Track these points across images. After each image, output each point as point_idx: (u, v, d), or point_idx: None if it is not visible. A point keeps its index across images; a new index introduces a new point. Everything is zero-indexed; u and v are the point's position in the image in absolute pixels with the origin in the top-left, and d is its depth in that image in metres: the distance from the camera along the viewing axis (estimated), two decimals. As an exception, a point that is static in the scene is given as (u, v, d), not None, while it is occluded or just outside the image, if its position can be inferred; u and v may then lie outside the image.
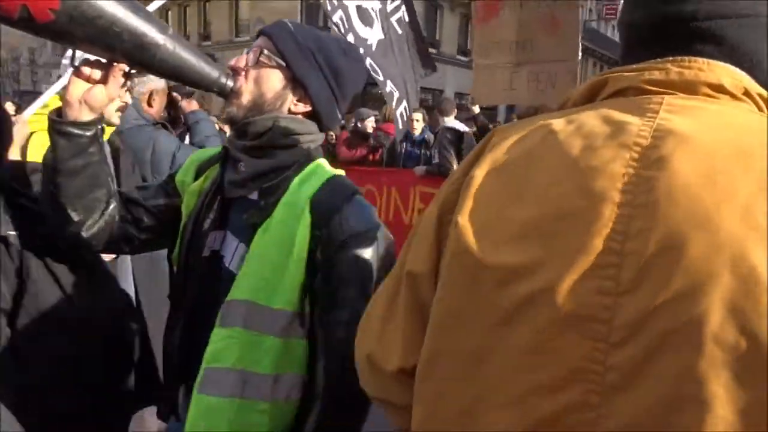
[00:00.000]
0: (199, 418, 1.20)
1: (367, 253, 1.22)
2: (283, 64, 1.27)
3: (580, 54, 3.96)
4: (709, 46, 0.72)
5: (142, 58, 1.16)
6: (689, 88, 0.70)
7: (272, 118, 1.27)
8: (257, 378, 1.19)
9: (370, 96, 22.70)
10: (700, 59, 0.71)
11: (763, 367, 0.54)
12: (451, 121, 6.51)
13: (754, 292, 0.56)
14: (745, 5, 0.71)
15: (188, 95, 3.14)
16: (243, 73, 1.28)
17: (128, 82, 1.31)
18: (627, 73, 0.75)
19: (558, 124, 0.74)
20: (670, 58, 0.72)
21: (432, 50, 23.38)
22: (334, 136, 7.39)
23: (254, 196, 1.29)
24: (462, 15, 25.29)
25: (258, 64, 1.28)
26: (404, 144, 6.51)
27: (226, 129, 8.52)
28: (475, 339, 0.70)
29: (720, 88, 0.70)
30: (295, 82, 1.28)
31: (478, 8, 4.46)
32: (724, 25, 0.71)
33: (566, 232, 0.66)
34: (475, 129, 6.48)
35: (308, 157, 1.31)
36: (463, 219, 0.73)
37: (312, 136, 1.33)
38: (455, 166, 5.84)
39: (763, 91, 0.71)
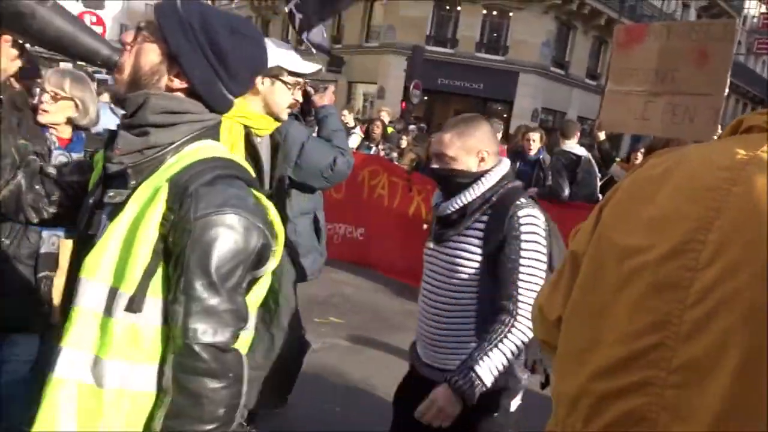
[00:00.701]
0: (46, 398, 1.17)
1: (214, 239, 1.16)
2: (162, 39, 1.24)
3: (726, 90, 3.70)
4: None
5: (18, 25, 1.16)
6: None
7: (144, 95, 1.23)
8: (101, 362, 1.16)
9: (489, 111, 22.70)
10: None
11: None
12: (571, 145, 6.30)
13: None
14: None
15: (322, 90, 3.28)
16: (128, 48, 1.27)
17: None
18: (758, 115, 0.96)
19: (693, 152, 1.01)
20: None
21: (560, 71, 22.92)
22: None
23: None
24: (595, 38, 24.46)
25: (140, 38, 1.26)
26: (517, 162, 6.37)
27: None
28: (601, 297, 0.99)
29: None
30: (172, 58, 1.24)
31: (621, 33, 4.27)
32: None
33: (672, 227, 0.92)
34: (599, 156, 6.23)
35: (192, 138, 1.26)
36: (606, 213, 1.04)
37: (194, 116, 1.28)
38: (566, 192, 5.70)
39: None
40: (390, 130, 9.04)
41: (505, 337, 1.91)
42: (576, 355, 1.03)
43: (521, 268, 1.96)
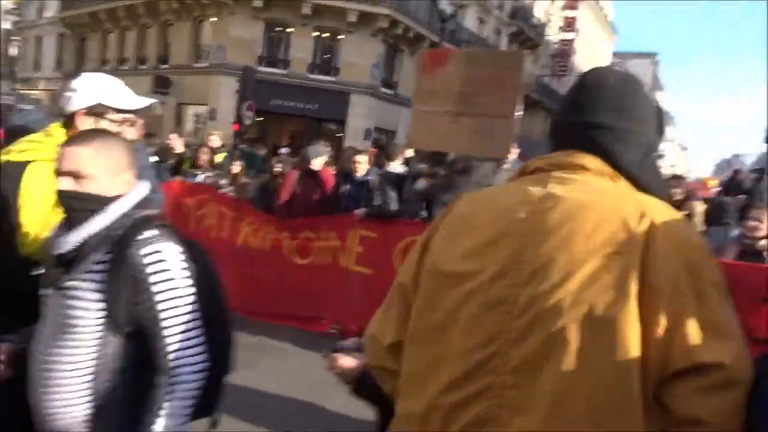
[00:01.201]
0: None
1: None
2: None
3: (521, 111, 4.07)
4: (591, 144, 1.21)
5: None
6: (566, 166, 1.20)
7: None
8: None
9: (324, 131, 23.01)
10: (576, 152, 1.21)
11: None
12: (395, 166, 6.54)
13: (588, 289, 1.03)
14: (615, 123, 1.21)
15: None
16: None
17: None
18: (541, 161, 1.26)
19: (494, 191, 1.36)
20: (564, 151, 1.23)
21: (389, 92, 23.87)
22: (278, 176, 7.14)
23: None
24: (421, 60, 25.95)
25: None
26: (346, 184, 6.45)
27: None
28: (440, 319, 1.16)
29: (586, 168, 1.19)
30: None
31: (425, 57, 4.53)
32: (596, 132, 1.21)
33: (493, 252, 1.14)
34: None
35: None
36: (434, 246, 1.24)
37: None
38: (395, 208, 5.87)
39: (610, 170, 1.19)
40: (221, 156, 8.65)
41: (171, 401, 1.57)
42: (421, 374, 1.16)
43: (162, 316, 1.59)
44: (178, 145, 8.65)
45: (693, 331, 0.99)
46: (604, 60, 60.32)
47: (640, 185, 1.19)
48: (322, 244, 5.72)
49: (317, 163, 6.69)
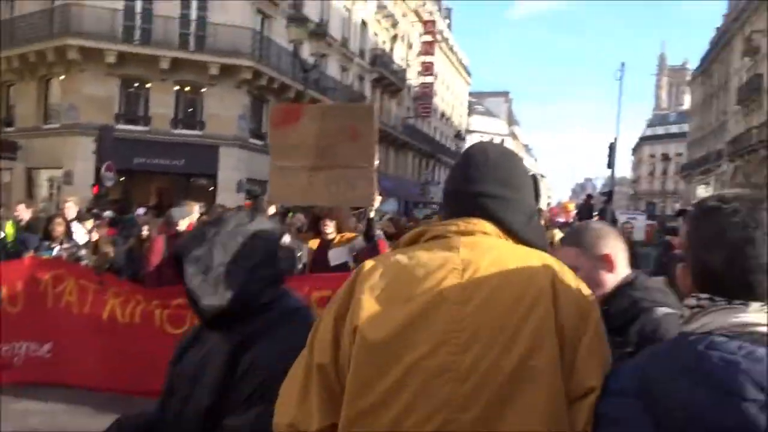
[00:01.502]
0: None
1: None
2: None
3: (377, 161, 4.25)
4: (481, 210, 1.32)
5: None
6: (470, 233, 1.29)
7: None
8: None
9: (194, 187, 22.31)
10: (474, 219, 1.31)
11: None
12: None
13: (496, 342, 1.14)
14: (500, 192, 1.33)
15: None
16: None
17: None
18: (438, 227, 1.32)
19: (404, 258, 1.28)
20: (462, 219, 1.31)
21: (259, 142, 23.69)
22: (145, 241, 6.81)
23: None
24: (288, 109, 26.08)
25: None
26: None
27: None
28: (383, 393, 1.15)
29: (487, 233, 1.29)
30: None
31: (276, 113, 4.60)
32: (487, 200, 1.32)
33: (421, 321, 1.17)
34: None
35: None
36: (361, 323, 1.20)
37: None
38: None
39: (503, 234, 1.31)
40: (89, 223, 8.06)
41: None
42: None
43: None
44: (25, 215, 7.99)
45: (585, 364, 1.15)
46: (462, 99, 64.34)
47: (527, 244, 1.32)
48: (191, 314, 5.47)
49: (184, 225, 6.46)
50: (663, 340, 1.33)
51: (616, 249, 1.90)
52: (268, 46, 23.23)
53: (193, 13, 21.94)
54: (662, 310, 1.73)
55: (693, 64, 69.76)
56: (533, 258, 1.25)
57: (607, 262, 1.86)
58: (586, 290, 1.25)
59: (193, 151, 21.49)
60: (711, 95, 51.19)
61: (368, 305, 1.21)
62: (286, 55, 23.55)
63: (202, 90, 22.25)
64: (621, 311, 1.74)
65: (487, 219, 1.30)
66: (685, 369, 1.00)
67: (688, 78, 73.05)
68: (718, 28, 51.71)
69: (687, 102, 77.73)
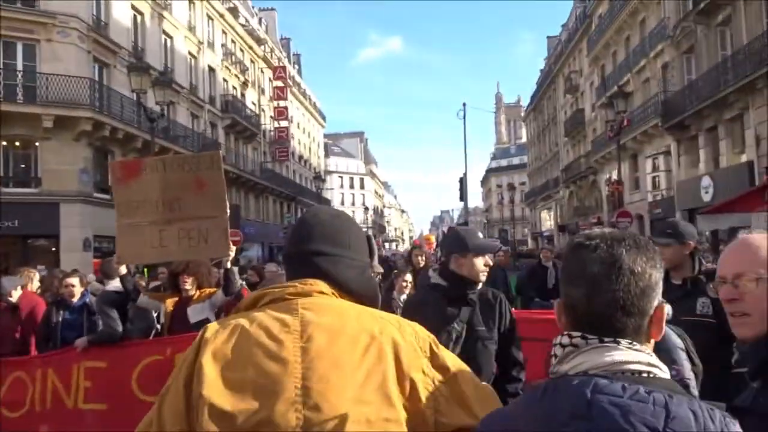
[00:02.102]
0: None
1: None
2: None
3: (228, 209, 4.11)
4: (315, 268, 1.39)
5: None
6: (308, 294, 1.35)
7: None
8: None
9: (33, 249, 20.21)
10: (310, 279, 1.38)
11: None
12: (115, 285, 5.99)
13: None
14: (331, 250, 1.42)
15: None
16: None
17: None
18: (276, 290, 1.37)
19: (246, 322, 1.30)
20: (298, 280, 1.38)
21: (106, 196, 22.13)
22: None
23: None
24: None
25: None
26: (60, 311, 5.70)
27: None
28: None
29: (323, 292, 1.36)
30: None
31: (116, 168, 4.31)
32: (320, 258, 1.41)
33: (269, 385, 1.19)
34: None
35: None
36: (205, 391, 1.20)
37: None
38: (119, 329, 5.33)
39: (337, 291, 1.39)
40: None
41: None
42: None
43: None
44: None
45: (446, 406, 1.24)
46: (318, 141, 65.19)
47: (358, 296, 1.42)
48: (38, 389, 4.87)
49: (16, 295, 5.83)
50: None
51: None
52: (108, 95, 21.94)
53: (19, 64, 20.19)
54: None
55: (525, 101, 76.97)
56: (371, 316, 1.34)
57: None
58: (431, 340, 1.34)
59: (29, 211, 19.45)
60: (543, 129, 56.60)
61: (211, 372, 1.22)
62: (130, 104, 22.41)
63: (36, 144, 20.40)
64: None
65: (322, 277, 1.38)
66: (575, 416, 0.99)
67: (523, 114, 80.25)
68: (542, 70, 57.57)
69: (524, 135, 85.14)
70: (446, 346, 1.50)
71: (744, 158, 19.56)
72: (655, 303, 1.11)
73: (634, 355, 1.06)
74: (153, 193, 4.09)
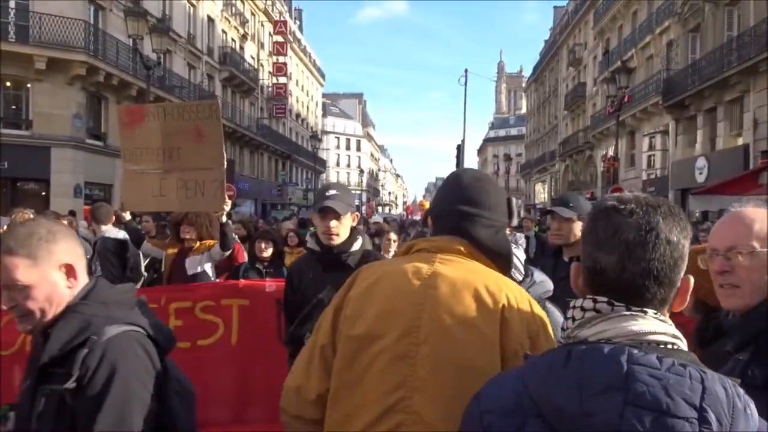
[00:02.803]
0: None
1: None
2: None
3: (225, 162, 4.05)
4: (455, 227, 1.58)
5: None
6: (446, 249, 1.56)
7: None
8: None
9: (22, 192, 20.02)
10: (451, 237, 1.57)
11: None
12: (108, 230, 5.95)
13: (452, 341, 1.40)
14: (470, 211, 1.58)
15: None
16: None
17: None
18: (424, 243, 1.61)
19: (391, 266, 1.59)
20: (442, 236, 1.59)
21: (98, 143, 21.89)
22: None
23: None
24: (131, 108, 24.30)
25: None
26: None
27: None
28: (357, 373, 1.45)
29: (461, 251, 1.55)
30: None
31: (123, 113, 4.23)
32: (462, 218, 1.58)
33: (396, 317, 1.45)
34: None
35: None
36: (347, 312, 1.53)
37: None
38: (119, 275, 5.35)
39: (474, 251, 1.56)
40: None
41: None
42: (347, 418, 1.43)
43: None
44: None
45: None
46: (316, 100, 64.45)
47: (491, 255, 1.58)
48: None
49: None
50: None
51: None
52: (103, 39, 21.44)
53: (12, 1, 19.62)
54: None
55: (527, 71, 76.17)
56: (494, 279, 1.49)
57: None
58: (541, 317, 1.47)
59: (20, 153, 19.19)
60: (544, 101, 56.20)
61: (354, 303, 1.53)
62: (126, 50, 21.95)
63: (28, 85, 20.02)
64: None
65: (461, 235, 1.56)
66: (611, 387, 0.94)
67: (524, 84, 79.55)
68: (546, 41, 56.86)
69: (524, 106, 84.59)
70: (320, 314, 1.66)
71: (740, 141, 19.56)
72: (683, 274, 1.08)
73: (660, 326, 1.03)
74: (154, 141, 4.03)
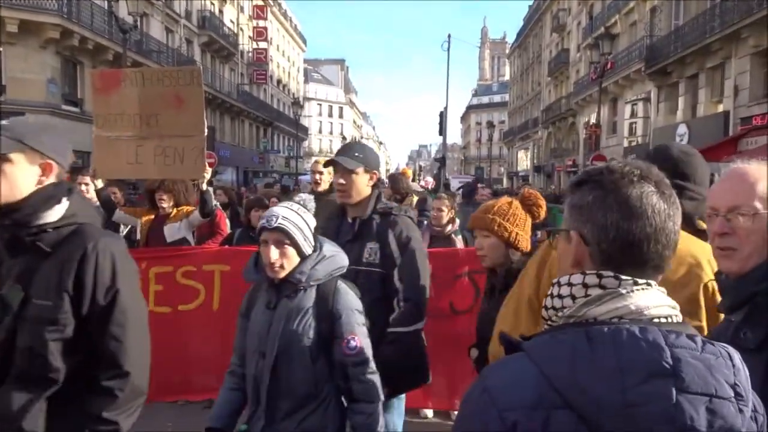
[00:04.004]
0: None
1: None
2: None
3: (206, 129, 3.99)
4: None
5: None
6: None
7: None
8: None
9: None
10: None
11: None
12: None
13: None
14: (681, 185, 1.85)
15: None
16: None
17: None
18: None
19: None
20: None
21: (75, 109, 21.41)
22: None
23: None
24: (108, 73, 23.72)
25: None
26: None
27: None
28: None
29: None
30: None
31: (96, 78, 4.11)
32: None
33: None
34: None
35: None
36: (550, 272, 1.81)
37: None
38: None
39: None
40: None
41: None
42: None
43: None
44: None
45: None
46: (298, 66, 63.46)
47: (690, 223, 1.76)
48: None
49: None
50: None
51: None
52: (77, 2, 20.78)
53: (-18, -39, 18.89)
54: None
55: (511, 37, 75.54)
56: (695, 246, 1.79)
57: None
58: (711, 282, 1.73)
59: (-7, 120, 18.77)
60: (527, 67, 55.88)
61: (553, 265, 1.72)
62: (101, 13, 21.32)
63: (0, 49, 19.43)
64: None
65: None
66: (655, 374, 0.87)
67: (508, 51, 78.95)
68: (530, 6, 56.26)
69: (507, 73, 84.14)
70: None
71: (721, 108, 19.70)
72: None
73: (663, 298, 1.00)
74: (131, 107, 3.93)
